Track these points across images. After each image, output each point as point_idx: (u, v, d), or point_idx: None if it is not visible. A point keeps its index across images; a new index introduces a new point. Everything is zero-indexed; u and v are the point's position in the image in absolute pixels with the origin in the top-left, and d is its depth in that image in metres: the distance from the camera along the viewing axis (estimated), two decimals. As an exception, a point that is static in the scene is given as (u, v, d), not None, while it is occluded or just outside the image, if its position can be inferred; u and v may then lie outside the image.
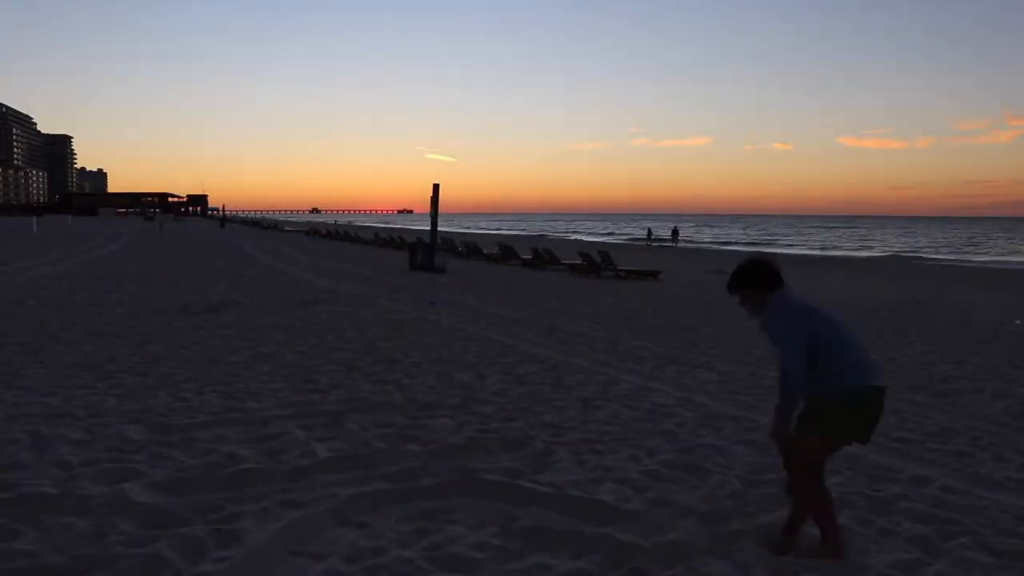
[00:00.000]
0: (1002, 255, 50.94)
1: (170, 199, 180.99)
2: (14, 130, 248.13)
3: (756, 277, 3.50)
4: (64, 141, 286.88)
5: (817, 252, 54.62)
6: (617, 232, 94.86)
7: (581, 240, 67.30)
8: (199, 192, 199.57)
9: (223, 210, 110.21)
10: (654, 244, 59.92)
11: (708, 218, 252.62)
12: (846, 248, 61.19)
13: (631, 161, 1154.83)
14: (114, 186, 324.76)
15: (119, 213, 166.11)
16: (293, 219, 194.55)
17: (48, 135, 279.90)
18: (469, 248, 35.32)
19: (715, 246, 59.97)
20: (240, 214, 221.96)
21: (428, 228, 25.33)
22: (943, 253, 53.75)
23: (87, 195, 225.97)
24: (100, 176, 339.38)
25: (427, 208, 25.32)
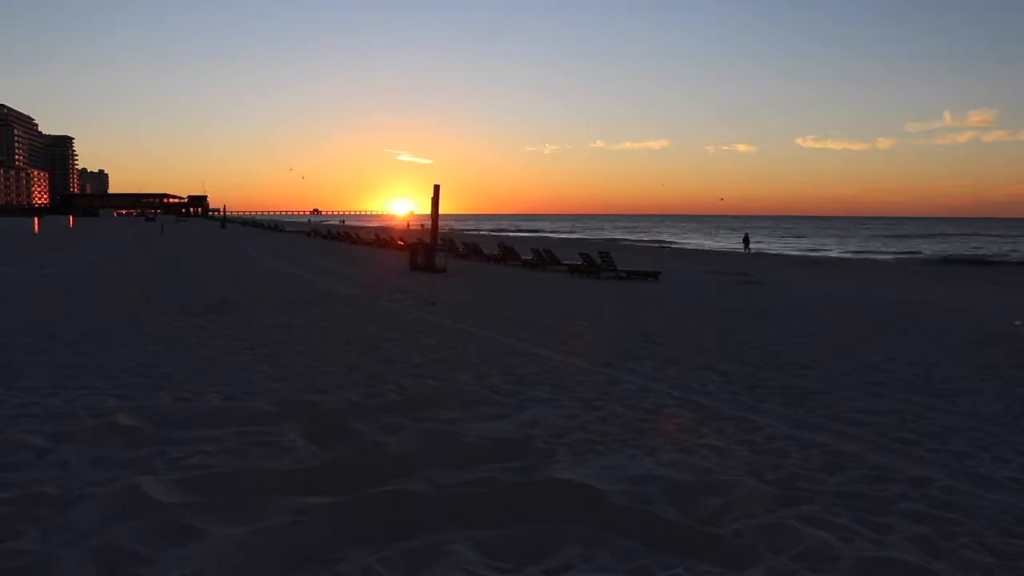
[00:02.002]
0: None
1: (170, 200, 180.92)
2: (15, 131, 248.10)
3: None
4: (65, 142, 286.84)
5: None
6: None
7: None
8: (200, 193, 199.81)
9: (224, 211, 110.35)
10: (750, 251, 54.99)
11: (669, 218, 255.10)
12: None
13: (594, 163, 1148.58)
14: (115, 187, 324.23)
15: (120, 214, 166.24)
16: (295, 219, 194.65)
17: (49, 136, 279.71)
18: (470, 249, 35.35)
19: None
20: (242, 215, 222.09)
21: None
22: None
23: (88, 196, 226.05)
24: (101, 177, 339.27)
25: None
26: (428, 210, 25.81)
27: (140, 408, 6.15)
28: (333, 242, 52.46)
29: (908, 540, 3.87)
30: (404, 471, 4.74)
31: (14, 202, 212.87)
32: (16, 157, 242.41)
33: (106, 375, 7.47)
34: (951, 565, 3.60)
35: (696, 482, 4.65)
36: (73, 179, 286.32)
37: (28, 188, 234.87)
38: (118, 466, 4.72)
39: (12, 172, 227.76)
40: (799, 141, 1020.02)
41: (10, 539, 3.67)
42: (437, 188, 25.17)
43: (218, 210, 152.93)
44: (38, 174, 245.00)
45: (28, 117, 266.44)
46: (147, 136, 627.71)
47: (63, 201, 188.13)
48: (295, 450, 5.16)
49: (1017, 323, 13.82)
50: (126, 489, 4.25)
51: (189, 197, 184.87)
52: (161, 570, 3.39)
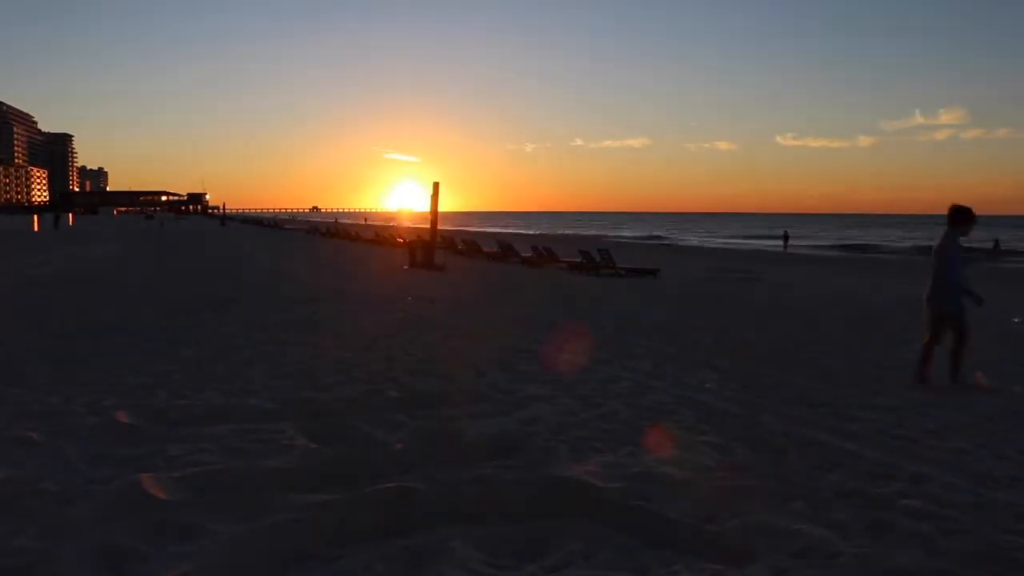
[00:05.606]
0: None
1: (169, 197, 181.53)
2: (15, 128, 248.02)
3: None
4: (65, 140, 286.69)
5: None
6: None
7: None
8: (199, 190, 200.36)
9: (223, 208, 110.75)
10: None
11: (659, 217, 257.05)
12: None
13: (574, 161, 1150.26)
14: (114, 184, 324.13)
15: (120, 212, 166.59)
16: (294, 217, 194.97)
17: (49, 133, 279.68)
18: (469, 246, 35.35)
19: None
20: (242, 212, 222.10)
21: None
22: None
23: (88, 194, 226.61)
24: (100, 174, 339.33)
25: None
26: (420, 207, 25.88)
27: (139, 406, 6.14)
28: (332, 239, 52.45)
29: (907, 537, 3.87)
30: (404, 468, 4.74)
31: (14, 200, 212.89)
32: (16, 155, 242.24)
33: (105, 372, 7.47)
34: (951, 562, 3.60)
35: (696, 479, 4.66)
36: (73, 177, 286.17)
37: (28, 186, 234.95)
38: (117, 464, 4.72)
39: (12, 170, 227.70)
40: (779, 139, 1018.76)
41: (9, 537, 3.66)
42: (436, 185, 25.16)
43: (217, 208, 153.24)
44: (38, 172, 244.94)
45: (27, 115, 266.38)
46: (146, 134, 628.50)
47: (63, 199, 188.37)
48: (295, 448, 5.16)
49: (1016, 320, 13.82)
50: (125, 487, 4.25)
51: (189, 195, 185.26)
52: (160, 567, 3.39)
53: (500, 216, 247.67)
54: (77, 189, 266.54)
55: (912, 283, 24.74)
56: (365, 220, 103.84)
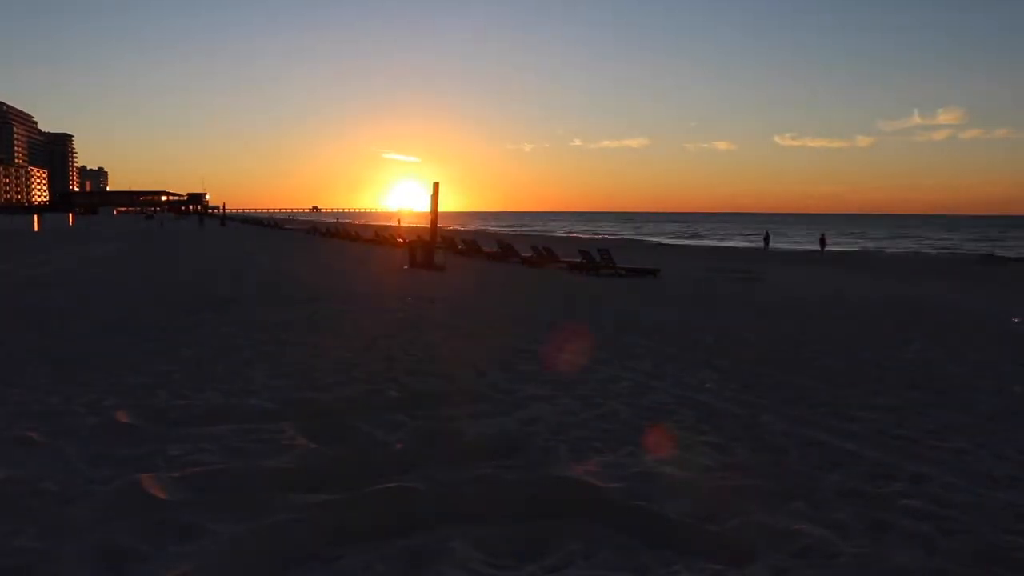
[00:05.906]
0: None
1: (169, 197, 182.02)
2: (15, 129, 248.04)
3: None
4: (65, 140, 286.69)
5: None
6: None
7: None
8: (199, 190, 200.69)
9: (223, 209, 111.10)
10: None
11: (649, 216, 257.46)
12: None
13: (573, 161, 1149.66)
14: (114, 184, 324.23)
15: (120, 212, 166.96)
16: (295, 217, 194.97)
17: (49, 134, 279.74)
18: (469, 246, 35.36)
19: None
20: (242, 212, 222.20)
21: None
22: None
23: (88, 194, 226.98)
24: (100, 174, 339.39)
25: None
26: (420, 207, 25.94)
27: (139, 406, 6.14)
28: (332, 239, 52.46)
29: (907, 537, 3.88)
30: (404, 468, 4.74)
31: (14, 200, 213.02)
32: (16, 155, 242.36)
33: (105, 372, 7.46)
34: (951, 562, 3.60)
35: (696, 479, 4.66)
36: (73, 177, 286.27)
37: (28, 186, 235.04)
38: (117, 464, 4.72)
39: (12, 170, 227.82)
40: (777, 139, 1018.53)
41: (9, 537, 3.66)
42: (436, 185, 25.15)
43: (217, 208, 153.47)
44: (38, 172, 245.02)
45: (27, 115, 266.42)
46: (146, 134, 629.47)
47: (63, 199, 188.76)
48: (295, 448, 5.16)
49: (1016, 320, 13.83)
50: (125, 487, 4.25)
51: (188, 195, 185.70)
52: (160, 567, 3.39)
53: (500, 216, 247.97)
54: (77, 189, 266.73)
55: (912, 283, 24.74)
56: (399, 221, 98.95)
